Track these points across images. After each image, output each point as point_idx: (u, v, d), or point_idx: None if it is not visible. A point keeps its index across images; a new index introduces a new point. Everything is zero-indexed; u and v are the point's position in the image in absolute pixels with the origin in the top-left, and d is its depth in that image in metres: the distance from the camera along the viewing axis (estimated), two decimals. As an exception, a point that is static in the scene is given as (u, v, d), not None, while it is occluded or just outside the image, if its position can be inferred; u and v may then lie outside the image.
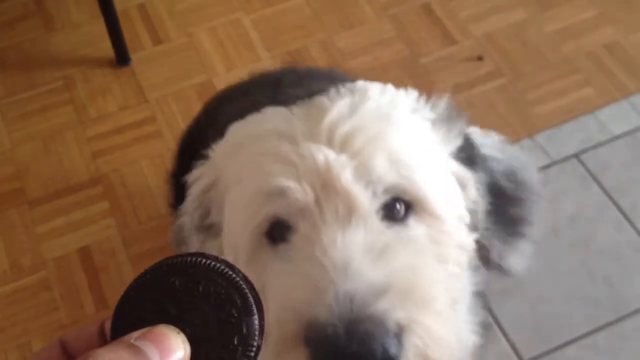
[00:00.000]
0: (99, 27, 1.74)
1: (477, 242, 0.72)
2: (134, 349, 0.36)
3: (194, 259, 0.39)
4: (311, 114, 0.67)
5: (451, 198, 0.69)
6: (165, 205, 1.39)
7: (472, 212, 0.72)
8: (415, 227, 0.64)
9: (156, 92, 1.71)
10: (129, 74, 1.75)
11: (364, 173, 0.61)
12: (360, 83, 0.73)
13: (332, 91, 0.70)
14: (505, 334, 1.33)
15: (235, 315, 0.38)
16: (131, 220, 1.51)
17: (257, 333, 0.39)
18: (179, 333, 0.38)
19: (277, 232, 0.63)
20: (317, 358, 0.50)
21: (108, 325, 0.41)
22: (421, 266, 0.58)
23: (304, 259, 0.56)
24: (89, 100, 1.71)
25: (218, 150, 0.74)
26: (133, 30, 1.81)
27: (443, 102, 0.76)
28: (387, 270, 0.54)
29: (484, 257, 0.75)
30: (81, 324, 0.48)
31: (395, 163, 0.63)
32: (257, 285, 0.59)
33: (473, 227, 0.72)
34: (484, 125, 1.64)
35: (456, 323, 0.64)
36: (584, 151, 1.55)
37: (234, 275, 0.39)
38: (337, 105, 0.66)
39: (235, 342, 0.38)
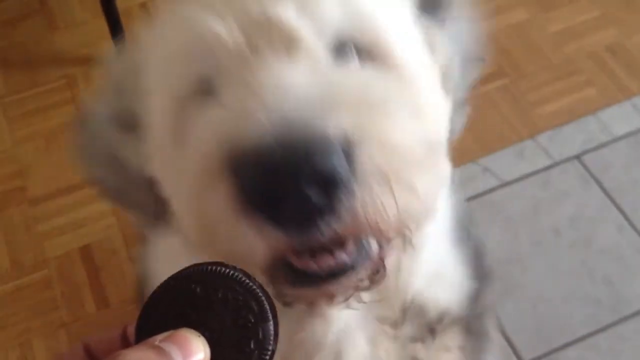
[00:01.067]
0: (101, 26, 1.74)
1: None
2: (159, 350, 0.38)
3: (214, 267, 0.41)
4: None
5: (417, 52, 0.55)
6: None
7: (444, 75, 0.59)
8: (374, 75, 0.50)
9: (158, 91, 1.71)
10: (131, 73, 1.75)
11: (308, 11, 0.48)
12: None
13: None
14: (505, 334, 1.33)
15: (252, 320, 0.40)
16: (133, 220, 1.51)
17: (272, 338, 0.41)
18: (199, 336, 0.40)
19: (205, 90, 0.50)
20: (246, 182, 0.39)
21: (130, 330, 0.43)
22: (381, 96, 0.45)
23: (236, 98, 0.44)
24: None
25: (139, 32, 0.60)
26: (135, 30, 1.81)
27: None
28: (334, 92, 0.42)
29: None
30: (104, 329, 0.48)
31: (346, 4, 0.50)
32: (180, 137, 0.51)
33: (446, 91, 0.59)
34: (486, 125, 1.65)
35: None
36: (586, 152, 1.55)
37: (250, 284, 0.41)
38: None
39: (252, 346, 0.40)
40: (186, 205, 0.48)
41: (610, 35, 1.74)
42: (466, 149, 1.57)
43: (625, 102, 1.63)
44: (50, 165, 1.60)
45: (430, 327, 0.63)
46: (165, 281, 0.42)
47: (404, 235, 0.45)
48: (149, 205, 0.58)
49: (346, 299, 0.46)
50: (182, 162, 0.47)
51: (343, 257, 0.43)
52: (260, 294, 0.41)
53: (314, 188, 0.37)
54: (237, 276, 0.41)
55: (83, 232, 1.50)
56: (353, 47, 0.50)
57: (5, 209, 1.54)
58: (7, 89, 1.74)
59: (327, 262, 0.43)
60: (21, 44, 1.82)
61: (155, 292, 0.42)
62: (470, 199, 1.50)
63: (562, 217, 1.46)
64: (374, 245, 0.44)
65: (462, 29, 0.62)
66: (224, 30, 0.46)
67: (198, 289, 0.41)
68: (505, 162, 1.55)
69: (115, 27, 1.71)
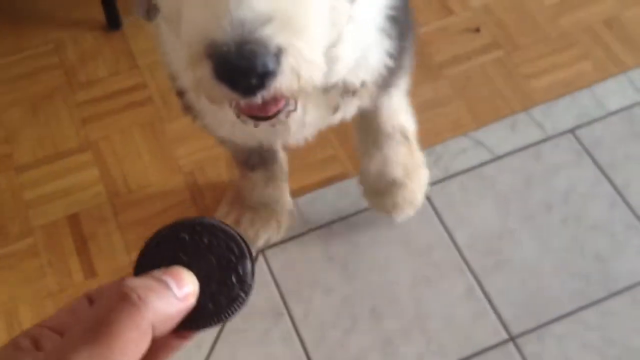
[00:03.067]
0: (90, -10, 1.71)
1: None
2: (158, 279, 0.46)
3: (200, 219, 0.50)
4: None
5: None
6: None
7: None
8: None
9: (147, 57, 1.68)
10: (120, 38, 1.72)
11: None
12: None
13: None
14: (494, 308, 1.33)
15: (233, 260, 0.49)
16: (121, 188, 1.50)
17: (249, 273, 0.49)
18: (189, 272, 0.48)
19: None
20: (216, 69, 0.64)
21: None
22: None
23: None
24: (79, 65, 1.68)
25: None
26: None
27: None
28: (273, 2, 0.64)
29: None
30: (103, 283, 0.49)
31: None
32: (173, 10, 0.72)
33: None
34: (480, 98, 1.63)
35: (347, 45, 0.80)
36: (580, 126, 1.54)
37: (231, 231, 0.50)
38: None
39: (233, 280, 0.49)
40: (181, 61, 0.72)
41: (606, 8, 1.72)
42: (458, 122, 1.56)
43: (620, 76, 1.61)
44: (37, 132, 1.58)
45: (349, 91, 0.93)
46: (158, 231, 0.50)
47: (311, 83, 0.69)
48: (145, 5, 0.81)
49: (285, 116, 0.76)
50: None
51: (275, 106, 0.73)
52: (239, 239, 0.50)
53: (255, 77, 0.63)
54: (219, 225, 0.50)
55: (70, 200, 1.49)
56: None
57: (-9, 176, 1.52)
58: (-6, 52, 1.71)
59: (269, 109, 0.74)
60: (7, 6, 1.78)
61: (149, 240, 0.50)
62: (461, 172, 1.49)
63: (554, 191, 1.46)
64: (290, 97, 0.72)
65: None
66: None
67: (186, 237, 0.49)
68: (498, 136, 1.54)
69: (104, -10, 1.68)
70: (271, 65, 0.63)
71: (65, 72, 1.67)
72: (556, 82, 1.61)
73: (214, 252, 0.49)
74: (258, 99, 0.66)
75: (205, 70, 0.65)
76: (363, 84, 0.96)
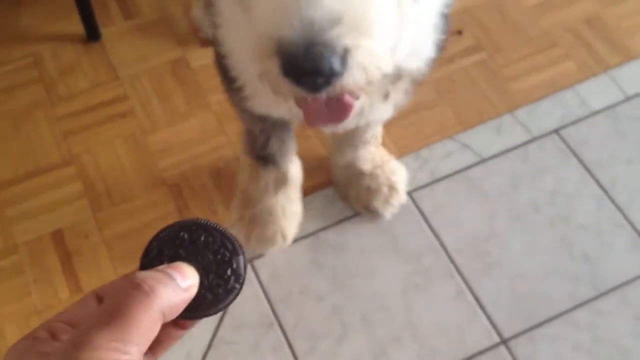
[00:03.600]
0: (69, 1, 1.69)
1: None
2: (164, 272, 0.51)
3: (196, 220, 0.56)
4: None
5: None
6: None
7: None
8: None
9: (128, 69, 1.67)
10: (99, 50, 1.70)
11: None
12: None
13: None
14: (485, 312, 1.33)
15: (228, 255, 0.54)
16: (105, 202, 1.48)
17: (243, 267, 0.55)
18: (190, 266, 0.53)
19: None
20: (284, 67, 0.66)
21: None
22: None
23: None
24: (58, 78, 1.66)
25: None
26: (103, 4, 1.76)
27: None
28: (342, 1, 0.65)
29: None
30: (109, 281, 0.49)
31: None
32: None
33: None
34: (465, 100, 1.63)
35: (406, 41, 0.82)
36: (564, 126, 1.54)
37: (224, 230, 0.55)
38: None
39: (229, 273, 0.54)
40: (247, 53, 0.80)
41: (587, 8, 1.73)
42: (444, 125, 1.55)
43: (602, 75, 1.62)
44: (18, 147, 1.56)
45: (399, 76, 0.99)
46: (160, 231, 0.55)
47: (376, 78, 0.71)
48: None
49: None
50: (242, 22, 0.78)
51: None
52: (231, 237, 0.55)
53: (321, 77, 0.65)
54: (213, 224, 0.55)
55: (54, 215, 1.47)
56: None
57: (-27, 193, 1.50)
58: (-28, 68, 1.69)
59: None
60: (-15, 21, 1.76)
61: (152, 239, 0.55)
62: (448, 175, 1.49)
63: (541, 192, 1.46)
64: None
65: None
66: None
67: (185, 236, 0.55)
68: (483, 138, 1.54)
69: (83, 1, 1.66)
70: (337, 66, 0.65)
71: (45, 85, 1.65)
72: (540, 83, 1.61)
73: (210, 249, 0.55)
74: (323, 95, 0.69)
75: (272, 66, 0.67)
76: (411, 72, 1.01)
